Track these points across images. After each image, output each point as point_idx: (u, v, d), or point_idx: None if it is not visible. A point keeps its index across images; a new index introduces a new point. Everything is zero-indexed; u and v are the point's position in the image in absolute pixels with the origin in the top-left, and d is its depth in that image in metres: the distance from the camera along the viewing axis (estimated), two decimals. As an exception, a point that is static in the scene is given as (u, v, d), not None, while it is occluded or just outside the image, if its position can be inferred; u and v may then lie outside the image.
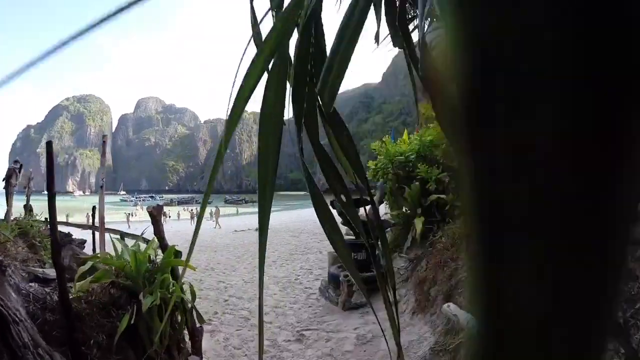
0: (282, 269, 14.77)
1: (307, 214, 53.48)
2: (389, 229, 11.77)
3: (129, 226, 44.09)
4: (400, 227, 11.71)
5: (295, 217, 46.24)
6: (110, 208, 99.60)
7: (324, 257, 13.75)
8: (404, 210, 11.93)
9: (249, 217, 58.40)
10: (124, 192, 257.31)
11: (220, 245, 21.46)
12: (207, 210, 50.69)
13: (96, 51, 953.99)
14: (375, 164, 13.04)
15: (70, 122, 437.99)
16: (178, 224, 49.82)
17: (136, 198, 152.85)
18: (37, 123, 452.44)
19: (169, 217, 65.14)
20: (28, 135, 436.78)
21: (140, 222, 59.30)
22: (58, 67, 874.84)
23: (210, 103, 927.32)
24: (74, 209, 78.75)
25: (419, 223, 10.32)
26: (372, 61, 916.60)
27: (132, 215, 65.64)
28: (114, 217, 59.18)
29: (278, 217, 46.77)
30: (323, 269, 13.12)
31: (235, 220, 52.02)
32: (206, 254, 17.78)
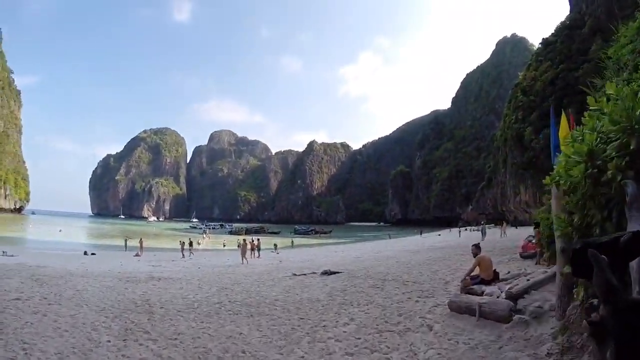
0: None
1: (381, 247, 48.15)
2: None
3: (183, 255, 40.74)
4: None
5: (370, 252, 39.12)
6: (175, 235, 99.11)
7: (442, 333, 8.52)
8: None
9: (314, 250, 53.29)
10: (196, 220, 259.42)
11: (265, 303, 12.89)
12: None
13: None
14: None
15: (147, 152, 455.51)
16: (214, 257, 42.69)
17: (205, 226, 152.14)
18: (117, 152, 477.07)
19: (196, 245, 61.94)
20: (108, 164, 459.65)
21: (202, 250, 57.53)
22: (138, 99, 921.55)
23: (281, 135, 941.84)
24: (140, 233, 78.05)
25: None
26: (440, 86, 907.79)
27: (198, 243, 63.20)
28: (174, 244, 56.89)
29: (349, 252, 40.74)
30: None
31: (294, 254, 43.94)
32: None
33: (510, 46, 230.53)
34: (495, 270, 11.88)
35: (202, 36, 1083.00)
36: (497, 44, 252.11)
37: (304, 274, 19.84)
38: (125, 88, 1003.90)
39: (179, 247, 42.91)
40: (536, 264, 17.15)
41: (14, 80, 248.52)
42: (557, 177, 5.46)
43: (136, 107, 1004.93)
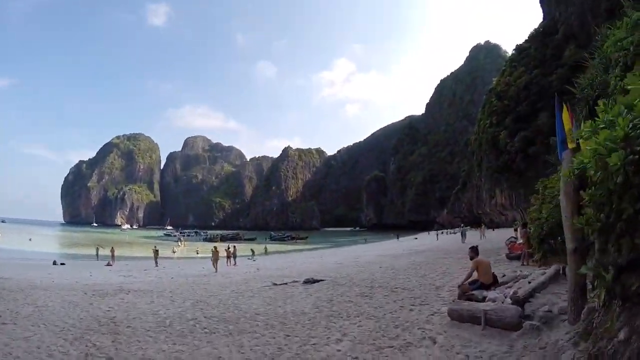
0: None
1: (359, 252, 47.33)
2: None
3: (157, 264, 39.47)
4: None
5: (350, 257, 38.05)
6: (149, 243, 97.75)
7: (448, 346, 7.71)
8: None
9: (292, 256, 52.54)
10: (170, 227, 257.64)
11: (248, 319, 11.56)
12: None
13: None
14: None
15: (120, 158, 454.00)
16: (187, 264, 42.00)
17: (180, 233, 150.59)
18: (89, 159, 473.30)
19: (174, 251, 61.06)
20: (80, 170, 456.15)
21: (177, 259, 56.26)
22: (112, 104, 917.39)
23: (256, 141, 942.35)
24: (113, 241, 76.58)
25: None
26: (414, 91, 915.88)
27: (173, 251, 61.99)
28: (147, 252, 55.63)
29: (328, 258, 39.86)
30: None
31: (271, 261, 42.56)
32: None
33: (484, 52, 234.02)
34: (494, 273, 11.10)
35: (177, 41, 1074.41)
36: (470, 50, 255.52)
37: (285, 283, 18.71)
38: (99, 92, 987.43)
39: (152, 255, 41.71)
40: (522, 264, 17.22)
41: None
42: (578, 169, 5.04)
43: (110, 112, 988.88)
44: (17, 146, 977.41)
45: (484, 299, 9.50)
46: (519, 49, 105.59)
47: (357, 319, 10.53)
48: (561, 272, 11.21)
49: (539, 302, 8.80)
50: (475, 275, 10.74)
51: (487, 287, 10.46)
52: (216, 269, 32.52)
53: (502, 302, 8.72)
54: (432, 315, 10.04)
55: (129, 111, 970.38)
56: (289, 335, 9.35)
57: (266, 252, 55.97)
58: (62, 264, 40.92)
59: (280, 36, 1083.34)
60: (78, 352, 8.40)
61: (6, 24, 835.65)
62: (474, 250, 11.35)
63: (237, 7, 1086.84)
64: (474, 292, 10.09)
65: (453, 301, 10.60)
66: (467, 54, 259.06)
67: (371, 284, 16.25)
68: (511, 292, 9.08)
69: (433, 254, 30.69)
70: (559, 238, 11.93)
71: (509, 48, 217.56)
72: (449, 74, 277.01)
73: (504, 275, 12.74)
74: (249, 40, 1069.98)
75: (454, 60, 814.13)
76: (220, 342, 9.12)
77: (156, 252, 41.76)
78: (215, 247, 37.71)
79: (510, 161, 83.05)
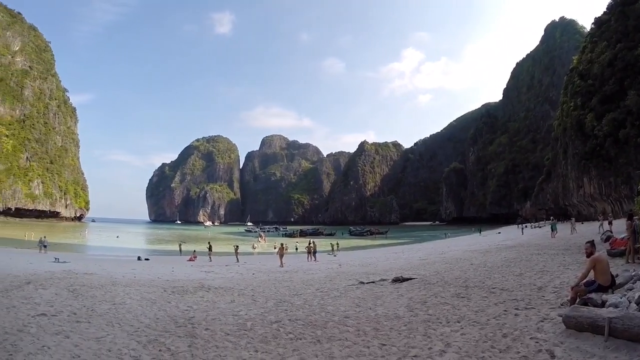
0: None
1: (443, 247, 45.57)
2: None
3: (238, 259, 39.38)
4: None
5: (434, 253, 36.54)
6: (230, 239, 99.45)
7: None
8: None
9: (373, 252, 51.29)
10: (251, 224, 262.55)
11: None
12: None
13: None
14: None
15: (201, 160, 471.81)
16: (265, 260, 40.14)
17: (260, 229, 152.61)
18: (171, 161, 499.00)
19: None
20: (163, 172, 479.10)
21: (258, 254, 56.40)
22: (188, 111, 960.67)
23: (330, 137, 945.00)
24: (195, 238, 78.42)
25: None
26: (490, 77, 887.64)
27: (253, 247, 62.37)
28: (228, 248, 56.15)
29: (411, 254, 38.34)
30: None
31: (353, 257, 40.91)
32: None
33: (560, 30, 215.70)
34: (611, 273, 9.47)
35: (244, 46, 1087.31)
36: (545, 29, 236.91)
37: (373, 282, 17.37)
38: (173, 99, 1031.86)
39: (233, 251, 42.28)
40: (627, 262, 14.94)
41: (69, 98, 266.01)
42: None
43: (186, 117, 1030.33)
44: (102, 154, 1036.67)
45: (603, 304, 8.18)
46: (598, 22, 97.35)
47: (457, 324, 9.34)
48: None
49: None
50: (591, 275, 9.24)
51: (605, 290, 9.00)
52: (282, 264, 32.50)
53: (627, 308, 7.49)
54: (542, 321, 8.71)
55: (205, 115, 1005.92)
56: (384, 345, 8.22)
57: (338, 248, 53.95)
58: (146, 259, 42.14)
59: (344, 32, 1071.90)
60: (150, 358, 7.73)
61: (80, 44, 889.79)
62: (592, 245, 9.71)
63: (298, 6, 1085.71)
64: (591, 295, 8.64)
65: (561, 305, 9.59)
66: (542, 34, 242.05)
67: (465, 284, 14.94)
68: (637, 296, 7.76)
69: (524, 249, 28.62)
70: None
71: (586, 23, 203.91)
72: (524, 56, 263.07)
73: (616, 275, 11.00)
74: (314, 38, 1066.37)
75: (529, 41, 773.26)
76: (308, 350, 8.13)
77: (237, 248, 42.00)
78: (281, 244, 38.08)
79: (598, 146, 76.49)
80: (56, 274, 20.42)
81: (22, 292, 14.51)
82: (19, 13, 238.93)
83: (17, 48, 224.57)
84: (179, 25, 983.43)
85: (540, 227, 79.91)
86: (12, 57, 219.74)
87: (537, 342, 7.43)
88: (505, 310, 10.14)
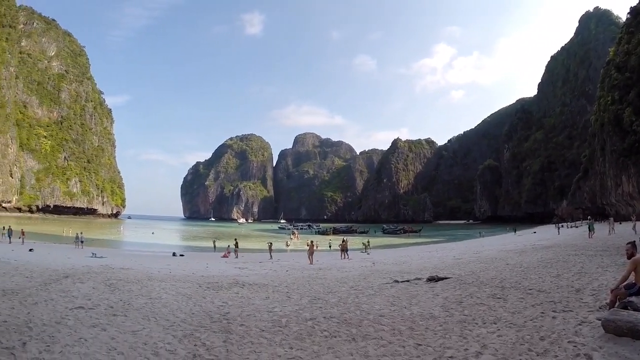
0: None
1: (477, 247, 45.05)
2: None
3: (271, 256, 39.67)
4: None
5: (469, 252, 36.11)
6: (264, 236, 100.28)
7: None
8: None
9: (407, 250, 50.87)
10: (284, 221, 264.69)
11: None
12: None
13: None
14: None
15: (235, 158, 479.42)
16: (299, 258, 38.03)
17: (293, 226, 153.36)
18: (205, 160, 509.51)
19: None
20: (197, 170, 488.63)
21: (291, 251, 56.66)
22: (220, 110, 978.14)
23: (363, 135, 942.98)
24: (229, 234, 79.16)
25: None
26: (523, 72, 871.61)
27: (287, 244, 62.74)
28: (262, 245, 56.74)
29: (445, 253, 38.11)
30: None
31: (386, 255, 40.69)
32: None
33: (595, 21, 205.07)
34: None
35: (274, 46, 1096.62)
36: (579, 20, 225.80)
37: (407, 281, 17.22)
38: (206, 100, 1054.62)
39: (267, 248, 42.46)
40: None
41: (104, 100, 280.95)
42: None
43: (220, 117, 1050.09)
44: (137, 154, 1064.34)
45: (644, 308, 7.81)
46: (633, 11, 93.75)
47: (494, 326, 9.20)
48: None
49: None
50: (632, 277, 8.90)
51: (646, 293, 8.57)
52: (311, 261, 32.71)
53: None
54: (580, 325, 8.51)
55: (238, 115, 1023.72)
56: (420, 345, 8.12)
57: (369, 246, 53.25)
58: (181, 255, 42.70)
59: (374, 28, 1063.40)
60: (185, 352, 7.72)
61: (114, 48, 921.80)
62: (634, 246, 9.36)
63: (328, 4, 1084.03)
64: (631, 298, 8.32)
65: (600, 308, 9.51)
66: (576, 25, 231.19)
67: (501, 284, 14.69)
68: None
69: (561, 250, 28.00)
70: None
71: (621, 12, 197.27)
72: (559, 49, 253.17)
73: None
74: (344, 36, 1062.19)
75: (564, 33, 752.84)
76: (343, 348, 8.03)
77: (270, 245, 42.42)
78: (311, 241, 38.62)
79: (637, 142, 73.74)
80: (93, 269, 20.85)
81: (60, 285, 14.82)
82: (54, 20, 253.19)
83: (53, 53, 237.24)
84: (210, 27, 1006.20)
85: (576, 227, 78.16)
86: (49, 62, 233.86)
87: (575, 346, 7.25)
88: (542, 313, 9.94)
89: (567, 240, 40.41)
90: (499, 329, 8.85)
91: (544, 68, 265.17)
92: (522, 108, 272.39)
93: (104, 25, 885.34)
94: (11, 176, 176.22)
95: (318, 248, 43.45)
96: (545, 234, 66.28)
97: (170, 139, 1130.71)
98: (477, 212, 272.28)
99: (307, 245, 37.96)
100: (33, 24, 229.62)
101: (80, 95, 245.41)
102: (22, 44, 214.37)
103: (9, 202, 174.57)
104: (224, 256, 40.38)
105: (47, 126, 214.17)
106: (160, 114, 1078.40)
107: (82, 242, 47.25)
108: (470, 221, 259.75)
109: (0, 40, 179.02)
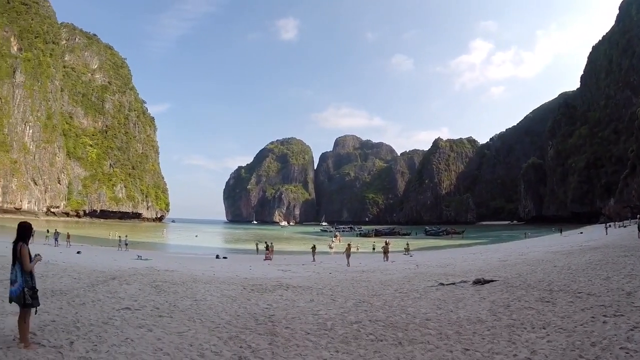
0: None
1: (523, 248, 44.31)
2: None
3: (314, 259, 39.55)
4: None
5: (514, 254, 35.76)
6: (306, 238, 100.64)
7: None
8: None
9: (450, 252, 50.48)
10: (326, 223, 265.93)
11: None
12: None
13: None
14: None
15: (276, 162, 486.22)
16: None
17: (335, 229, 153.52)
18: (247, 164, 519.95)
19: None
20: (239, 175, 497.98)
21: (333, 254, 56.35)
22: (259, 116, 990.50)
23: (403, 136, 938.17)
24: (271, 237, 79.04)
25: None
26: (565, 64, 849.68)
27: (330, 246, 62.52)
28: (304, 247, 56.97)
29: (490, 255, 37.50)
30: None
31: (429, 258, 40.03)
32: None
33: (636, 7, 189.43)
34: None
35: (310, 50, 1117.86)
36: (620, 7, 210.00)
37: (453, 283, 16.87)
38: (245, 107, 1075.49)
39: (310, 250, 42.56)
40: None
41: (147, 109, 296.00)
42: None
43: (259, 122, 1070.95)
44: (180, 159, 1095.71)
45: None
46: None
47: (543, 331, 8.92)
48: None
49: None
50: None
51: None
52: (348, 263, 33.09)
53: None
54: (632, 330, 8.18)
55: (277, 119, 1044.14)
56: (468, 349, 7.92)
57: (409, 248, 52.47)
58: (224, 257, 43.35)
59: (408, 27, 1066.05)
60: (231, 354, 7.73)
61: (154, 59, 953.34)
62: None
63: (360, 6, 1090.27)
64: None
65: None
66: (617, 12, 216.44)
67: (549, 287, 14.29)
68: None
69: (610, 251, 27.01)
70: None
71: None
72: (600, 38, 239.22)
73: None
74: (379, 36, 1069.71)
75: (606, 21, 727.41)
76: (389, 353, 7.86)
77: (314, 247, 42.55)
78: (348, 244, 39.32)
79: None
80: (139, 271, 21.28)
81: (107, 287, 15.13)
82: (95, 35, 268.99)
83: (96, 66, 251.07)
84: (245, 34, 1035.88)
85: (625, 226, 75.73)
86: (92, 74, 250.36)
87: (627, 353, 6.98)
88: (592, 317, 9.60)
89: (615, 241, 39.13)
90: (548, 334, 8.60)
91: (586, 59, 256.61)
92: (565, 102, 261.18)
93: (143, 37, 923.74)
94: (59, 183, 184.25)
95: (359, 250, 44.53)
96: (592, 234, 64.44)
97: (212, 145, 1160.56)
98: (521, 212, 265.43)
99: (346, 248, 38.12)
100: (75, 39, 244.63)
101: (124, 105, 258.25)
102: (66, 58, 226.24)
103: (57, 207, 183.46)
104: (266, 259, 40.53)
105: (93, 135, 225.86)
106: (201, 120, 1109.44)
107: (126, 244, 48.50)
108: (514, 222, 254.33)
109: (45, 56, 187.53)
